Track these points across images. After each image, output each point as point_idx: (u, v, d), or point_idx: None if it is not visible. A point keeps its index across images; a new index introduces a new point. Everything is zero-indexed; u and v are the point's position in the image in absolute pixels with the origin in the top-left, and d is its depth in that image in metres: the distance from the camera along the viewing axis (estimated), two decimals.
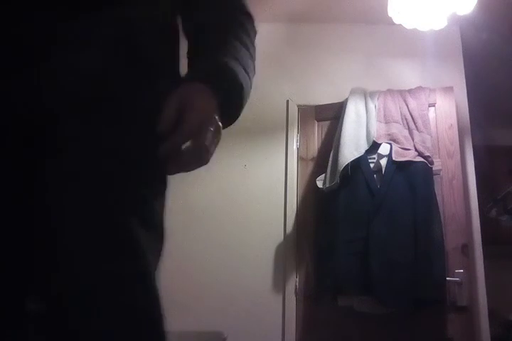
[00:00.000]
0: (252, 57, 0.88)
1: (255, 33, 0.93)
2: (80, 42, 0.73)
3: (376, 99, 2.72)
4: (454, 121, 2.66)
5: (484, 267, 2.56)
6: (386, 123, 2.62)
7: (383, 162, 2.52)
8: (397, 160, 2.47)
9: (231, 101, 0.79)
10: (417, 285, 2.26)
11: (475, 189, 2.70)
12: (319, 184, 2.62)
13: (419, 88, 2.72)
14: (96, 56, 0.73)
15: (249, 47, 0.88)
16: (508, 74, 3.29)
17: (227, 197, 2.83)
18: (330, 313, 2.53)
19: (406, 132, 2.57)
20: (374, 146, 2.56)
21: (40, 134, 0.69)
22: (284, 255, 2.73)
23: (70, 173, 0.69)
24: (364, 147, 2.55)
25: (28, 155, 0.70)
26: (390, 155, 2.51)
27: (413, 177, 2.44)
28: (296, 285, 2.68)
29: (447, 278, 2.35)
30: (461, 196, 2.54)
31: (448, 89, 2.73)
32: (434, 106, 2.71)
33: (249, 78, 0.84)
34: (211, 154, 0.75)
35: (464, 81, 2.89)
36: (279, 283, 2.70)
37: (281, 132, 2.94)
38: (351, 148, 2.53)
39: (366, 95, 2.74)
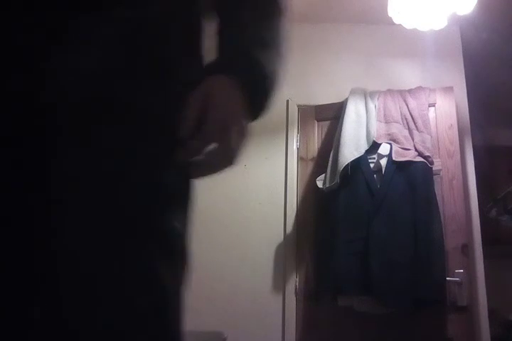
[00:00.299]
0: (280, 46, 0.82)
1: (284, 17, 0.86)
2: (80, 42, 0.73)
3: (376, 99, 2.72)
4: (454, 121, 2.66)
5: (484, 267, 2.56)
6: (386, 123, 2.62)
7: (383, 162, 2.52)
8: (397, 160, 2.47)
9: (257, 94, 0.74)
10: (417, 285, 2.26)
11: (475, 189, 2.70)
12: (319, 184, 2.62)
13: (419, 88, 2.72)
14: (96, 56, 0.73)
15: (278, 35, 0.83)
16: (508, 74, 3.29)
17: (228, 197, 2.84)
18: (330, 313, 2.53)
19: (406, 132, 2.57)
20: (374, 146, 2.56)
21: (40, 134, 0.69)
22: (284, 255, 2.73)
23: (70, 174, 0.68)
24: (364, 147, 2.55)
25: (29, 156, 0.69)
26: (390, 155, 2.51)
27: (413, 177, 2.44)
28: (296, 285, 2.68)
29: (447, 278, 2.35)
30: (461, 196, 2.54)
31: (448, 89, 2.73)
32: (434, 106, 2.71)
33: (277, 69, 0.79)
34: (238, 155, 0.70)
35: (464, 81, 2.89)
36: (279, 283, 2.70)
37: (281, 132, 2.94)
38: (351, 148, 2.53)
39: (366, 95, 2.74)
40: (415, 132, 2.55)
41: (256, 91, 0.74)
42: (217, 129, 0.68)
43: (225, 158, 0.70)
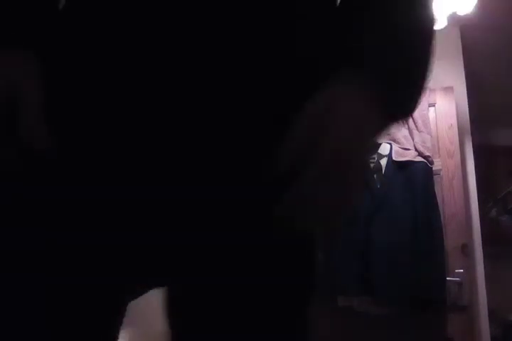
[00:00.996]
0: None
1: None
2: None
3: None
4: (454, 121, 2.66)
5: (484, 267, 2.56)
6: None
7: (383, 162, 2.52)
8: (397, 160, 2.47)
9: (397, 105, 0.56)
10: (417, 285, 2.26)
11: (475, 189, 2.69)
12: None
13: None
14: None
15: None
16: (508, 74, 3.29)
17: None
18: (330, 313, 2.53)
19: (406, 132, 2.57)
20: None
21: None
22: None
23: None
24: None
25: None
26: (389, 155, 2.51)
27: (413, 177, 2.44)
28: None
29: (447, 278, 2.35)
30: (461, 196, 2.54)
31: (448, 89, 2.73)
32: (434, 106, 2.71)
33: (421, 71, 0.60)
34: (352, 201, 0.51)
35: (464, 81, 2.89)
36: None
37: None
38: None
39: None
40: (415, 132, 2.55)
41: (396, 102, 0.57)
42: (334, 162, 0.48)
43: (339, 203, 0.51)
